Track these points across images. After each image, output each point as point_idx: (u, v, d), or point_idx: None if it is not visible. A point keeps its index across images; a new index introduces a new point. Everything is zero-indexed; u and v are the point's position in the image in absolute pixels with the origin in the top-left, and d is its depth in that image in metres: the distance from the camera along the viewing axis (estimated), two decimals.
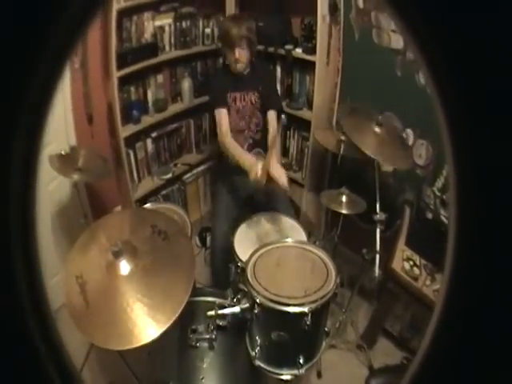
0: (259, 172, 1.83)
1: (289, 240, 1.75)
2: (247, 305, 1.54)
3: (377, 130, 1.85)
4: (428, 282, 1.85)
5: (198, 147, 2.99)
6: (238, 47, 2.08)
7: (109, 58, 2.20)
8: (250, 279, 1.52)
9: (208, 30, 2.67)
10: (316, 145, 2.45)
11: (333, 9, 2.31)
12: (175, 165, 2.76)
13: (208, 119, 2.95)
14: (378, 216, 1.82)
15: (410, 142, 2.20)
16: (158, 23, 2.46)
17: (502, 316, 0.28)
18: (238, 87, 2.21)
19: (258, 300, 1.45)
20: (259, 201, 2.32)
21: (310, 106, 2.56)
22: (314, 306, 1.42)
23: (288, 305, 1.41)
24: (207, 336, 1.63)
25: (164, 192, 2.76)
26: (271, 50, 2.57)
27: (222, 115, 2.17)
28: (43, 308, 0.31)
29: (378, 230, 1.80)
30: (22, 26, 0.24)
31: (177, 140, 2.81)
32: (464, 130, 0.27)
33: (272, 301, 1.42)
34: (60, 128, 2.17)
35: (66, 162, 1.93)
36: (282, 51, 2.53)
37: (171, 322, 1.29)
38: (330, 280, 1.54)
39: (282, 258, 1.66)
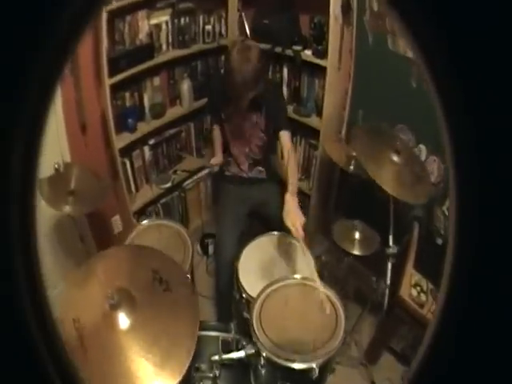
0: None
1: (296, 276, 1.67)
2: (253, 351, 1.49)
3: (395, 158, 1.71)
4: (433, 308, 1.80)
5: (199, 151, 2.85)
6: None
7: (100, 64, 2.03)
8: (256, 330, 1.46)
9: (209, 27, 2.46)
10: (324, 156, 2.31)
11: (346, 8, 2.12)
12: (175, 172, 2.62)
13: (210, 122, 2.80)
14: (390, 249, 1.74)
15: (423, 157, 2.08)
16: (153, 21, 2.26)
17: (501, 323, 0.27)
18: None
19: (264, 354, 1.40)
20: (266, 212, 2.22)
21: (318, 112, 2.40)
22: (321, 361, 1.38)
23: (295, 361, 1.37)
24: (211, 375, 1.59)
25: (163, 200, 2.65)
26: (278, 50, 2.37)
27: (215, 133, 2.14)
28: (43, 309, 0.31)
29: (389, 264, 1.72)
30: (22, 26, 0.24)
31: (176, 145, 2.67)
32: (464, 131, 0.27)
33: (279, 356, 1.38)
34: (52, 138, 2.02)
35: (57, 184, 1.81)
36: (289, 52, 2.33)
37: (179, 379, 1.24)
38: (340, 328, 1.48)
39: (289, 300, 1.59)
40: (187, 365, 1.26)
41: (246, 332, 1.60)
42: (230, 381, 1.66)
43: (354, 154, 2.03)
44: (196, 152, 2.84)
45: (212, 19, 2.50)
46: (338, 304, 1.55)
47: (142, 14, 2.18)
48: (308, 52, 2.30)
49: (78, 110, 2.12)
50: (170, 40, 2.37)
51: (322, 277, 1.74)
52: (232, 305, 2.02)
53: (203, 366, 1.62)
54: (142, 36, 2.22)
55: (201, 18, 2.46)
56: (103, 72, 2.04)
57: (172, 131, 2.59)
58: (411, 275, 1.91)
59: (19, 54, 0.25)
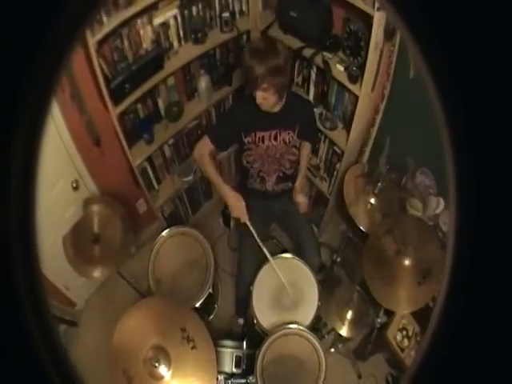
0: (243, 211, 1.96)
1: (296, 327, 1.90)
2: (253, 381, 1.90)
3: (406, 262, 1.69)
4: (412, 353, 2.05)
5: None
6: (261, 90, 1.69)
7: (102, 96, 1.89)
8: (260, 380, 1.84)
9: (226, 15, 2.04)
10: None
11: (389, 34, 1.72)
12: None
13: (231, 101, 2.57)
14: (378, 320, 1.89)
15: (440, 209, 1.98)
16: (158, 21, 1.92)
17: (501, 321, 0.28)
18: (267, 126, 1.90)
19: None
20: (286, 221, 2.32)
21: (345, 125, 2.21)
22: None
23: None
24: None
25: (186, 185, 2.67)
26: (306, 54, 2.04)
27: (207, 145, 1.94)
28: (43, 310, 0.30)
29: (375, 331, 1.90)
30: (21, 25, 0.25)
31: (197, 131, 2.51)
32: (464, 132, 0.27)
33: None
34: (62, 163, 2.08)
35: (80, 235, 1.93)
36: (319, 60, 2.01)
37: None
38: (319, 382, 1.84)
39: (284, 355, 1.91)
40: None
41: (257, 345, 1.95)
42: None
43: (373, 201, 2.01)
44: None
45: (230, 4, 2.05)
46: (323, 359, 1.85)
47: (141, 21, 1.84)
48: (340, 67, 1.96)
49: (88, 129, 2.06)
50: (182, 34, 2.03)
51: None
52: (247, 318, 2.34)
53: (219, 377, 1.99)
54: (147, 45, 1.92)
55: (217, 2, 2.02)
56: (108, 105, 1.91)
57: (191, 125, 2.42)
58: (402, 318, 2.09)
59: (18, 55, 0.25)
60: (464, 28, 0.25)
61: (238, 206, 1.95)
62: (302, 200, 2.08)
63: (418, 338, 2.06)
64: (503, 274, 0.27)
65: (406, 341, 2.09)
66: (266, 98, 1.73)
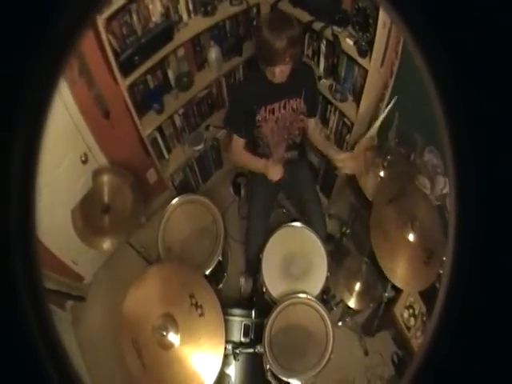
0: (276, 169, 1.99)
1: (304, 296, 1.96)
2: (262, 351, 1.94)
3: (410, 237, 1.70)
4: (418, 334, 2.09)
5: None
6: (281, 64, 1.70)
7: (112, 69, 1.90)
8: (267, 349, 1.89)
9: None
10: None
11: None
12: (207, 127, 2.56)
13: (241, 71, 2.54)
14: (386, 294, 1.92)
15: (447, 190, 1.96)
16: None
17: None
18: (276, 97, 1.93)
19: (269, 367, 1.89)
20: (290, 193, 2.36)
21: (355, 97, 2.18)
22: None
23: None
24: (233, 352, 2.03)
25: (197, 154, 2.68)
26: (316, 27, 2.00)
27: (239, 144, 2.05)
28: (42, 310, 0.30)
29: (382, 306, 1.94)
30: (21, 23, 0.25)
31: (208, 101, 2.52)
32: (464, 130, 0.27)
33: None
34: (71, 137, 2.09)
35: (90, 206, 1.96)
36: (328, 33, 1.97)
37: None
38: (326, 354, 1.89)
39: (292, 325, 1.97)
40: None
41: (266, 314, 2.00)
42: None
43: (382, 174, 2.01)
44: None
45: None
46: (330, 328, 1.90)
47: None
48: (350, 42, 1.93)
49: (97, 102, 2.08)
50: (191, 8, 2.01)
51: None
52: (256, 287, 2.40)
53: (228, 346, 2.00)
54: (156, 18, 1.91)
55: None
56: (117, 77, 1.93)
57: (201, 94, 2.42)
58: (408, 295, 2.12)
59: (18, 55, 0.25)
60: (464, 29, 0.25)
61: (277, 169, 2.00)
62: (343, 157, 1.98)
63: (424, 318, 2.08)
64: (505, 260, 0.27)
65: (412, 319, 2.12)
66: (284, 71, 1.74)
